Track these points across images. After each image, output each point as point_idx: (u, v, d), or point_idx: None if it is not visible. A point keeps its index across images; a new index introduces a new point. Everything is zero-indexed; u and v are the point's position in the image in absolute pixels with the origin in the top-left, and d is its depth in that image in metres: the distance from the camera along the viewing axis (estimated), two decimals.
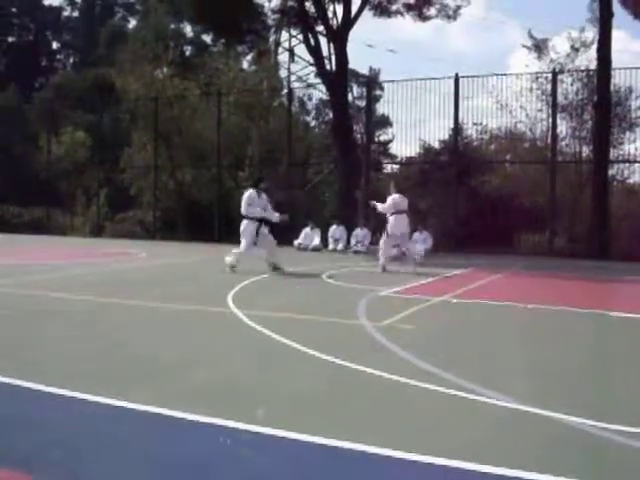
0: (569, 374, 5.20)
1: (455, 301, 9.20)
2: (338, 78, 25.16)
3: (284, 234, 14.54)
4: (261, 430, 3.63)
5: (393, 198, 13.86)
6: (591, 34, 24.23)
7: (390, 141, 35.72)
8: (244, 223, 13.13)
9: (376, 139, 35.83)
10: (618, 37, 49.49)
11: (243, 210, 13.07)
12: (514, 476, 3.08)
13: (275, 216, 13.28)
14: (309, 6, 25.79)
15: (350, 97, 30.47)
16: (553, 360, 5.68)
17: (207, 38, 43.61)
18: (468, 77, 22.50)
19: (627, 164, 22.87)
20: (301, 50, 34.77)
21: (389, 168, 30.53)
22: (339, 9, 25.57)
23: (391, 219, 13.87)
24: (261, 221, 13.11)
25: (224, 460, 3.26)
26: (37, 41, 52.89)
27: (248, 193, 13.20)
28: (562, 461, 3.30)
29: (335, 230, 21.22)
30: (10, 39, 52.98)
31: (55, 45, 55.90)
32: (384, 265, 13.65)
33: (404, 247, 14.55)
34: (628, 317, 8.07)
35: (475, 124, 24.75)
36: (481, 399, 4.29)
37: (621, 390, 4.78)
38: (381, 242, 14.22)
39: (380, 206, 14.26)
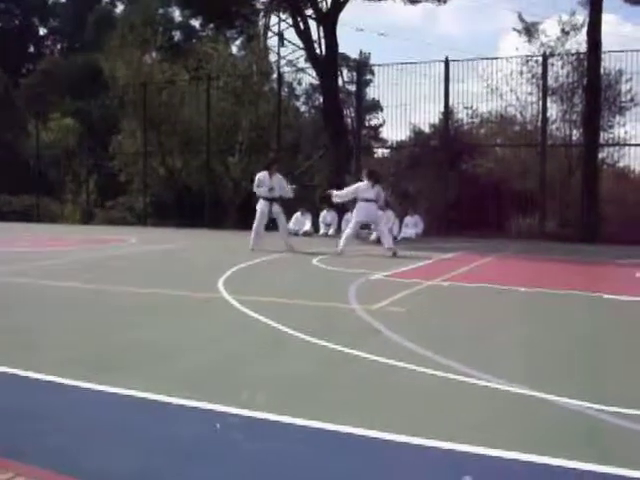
0: (562, 356, 5.20)
1: (446, 284, 9.20)
2: (328, 62, 25.04)
3: (274, 220, 14.61)
4: (252, 414, 3.61)
5: (357, 187, 13.96)
6: (581, 17, 24.16)
7: (381, 125, 35.64)
8: (259, 203, 14.48)
9: (366, 123, 35.76)
10: (608, 20, 49.17)
11: (254, 190, 14.57)
12: (510, 458, 3.08)
13: (287, 190, 14.56)
14: None
15: (340, 81, 30.42)
16: (546, 342, 5.68)
17: (196, 23, 43.28)
18: (458, 61, 22.43)
19: (617, 147, 22.87)
20: (290, 34, 34.63)
21: (380, 152, 30.45)
22: None
23: (356, 207, 14.04)
24: (272, 200, 14.26)
25: (215, 444, 3.24)
26: (24, 27, 52.40)
27: (258, 175, 14.51)
28: (557, 443, 3.30)
29: (326, 215, 21.19)
30: None
31: (42, 31, 55.42)
32: (343, 248, 13.68)
33: (377, 232, 14.61)
34: (620, 299, 8.08)
35: (466, 108, 24.72)
36: (474, 381, 4.28)
37: (615, 372, 4.78)
38: (348, 227, 14.38)
39: (335, 193, 14.38)
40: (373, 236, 18.34)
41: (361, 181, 14.23)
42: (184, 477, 2.88)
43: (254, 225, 14.36)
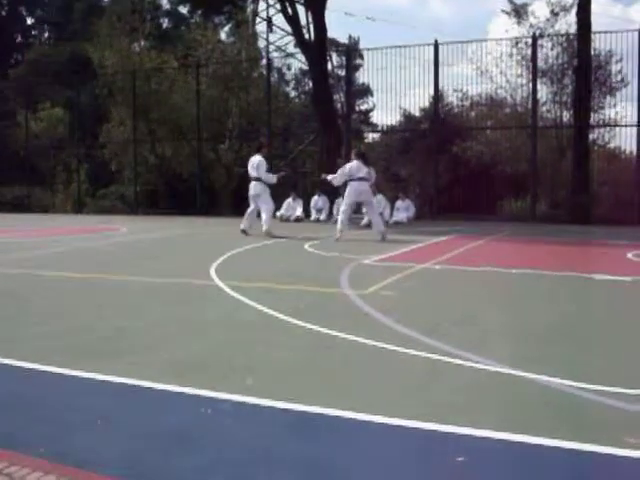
0: (551, 336, 5.23)
1: (438, 268, 9.22)
2: (317, 47, 24.97)
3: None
4: (245, 399, 3.62)
5: (350, 166, 13.88)
6: None
7: (371, 110, 35.67)
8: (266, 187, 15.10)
9: (357, 108, 35.73)
10: (598, 1, 49.21)
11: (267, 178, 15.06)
12: (498, 438, 3.10)
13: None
14: None
15: (330, 66, 30.34)
16: (536, 323, 5.71)
17: (184, 10, 43.07)
18: (448, 44, 22.41)
19: (608, 128, 22.90)
20: (279, 20, 34.51)
21: (370, 137, 30.44)
22: None
23: (348, 187, 13.90)
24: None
25: (204, 430, 3.25)
26: (11, 17, 51.98)
27: (263, 161, 14.97)
28: (543, 422, 3.32)
29: (317, 200, 21.20)
30: None
31: (30, 20, 54.98)
32: (341, 233, 13.64)
33: (370, 216, 14.52)
34: (609, 279, 8.12)
35: (456, 91, 24.74)
36: (463, 363, 4.30)
37: (602, 351, 4.81)
38: (340, 210, 14.31)
39: (330, 176, 14.35)
40: (364, 221, 18.39)
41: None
42: (174, 463, 2.89)
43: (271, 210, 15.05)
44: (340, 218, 13.95)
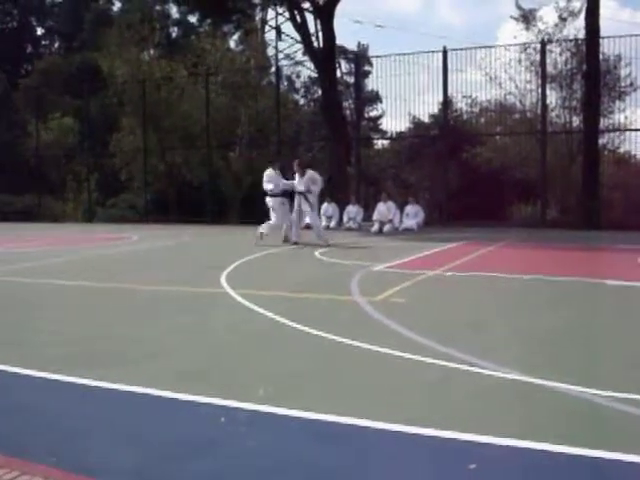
0: (563, 342, 5.21)
1: (448, 274, 9.20)
2: (326, 55, 25.01)
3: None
4: (256, 408, 3.62)
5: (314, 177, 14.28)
6: (579, 3, 24.08)
7: (380, 117, 35.67)
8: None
9: (366, 115, 35.76)
10: (607, 5, 49.11)
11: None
12: (512, 445, 3.09)
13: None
14: None
15: (339, 73, 30.39)
16: (547, 329, 5.69)
17: (193, 19, 43.23)
18: (456, 50, 22.38)
19: (617, 133, 22.81)
20: (288, 28, 34.61)
21: (379, 144, 30.45)
22: None
23: (314, 198, 14.34)
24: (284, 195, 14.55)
25: (219, 439, 3.25)
26: (21, 27, 52.30)
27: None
28: (560, 429, 3.30)
29: (327, 207, 21.16)
30: None
31: (40, 31, 55.34)
32: (327, 239, 14.03)
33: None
34: (621, 285, 8.08)
35: (465, 97, 24.70)
36: (474, 370, 4.29)
37: (614, 357, 4.79)
38: (317, 221, 14.69)
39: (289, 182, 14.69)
40: (374, 228, 18.42)
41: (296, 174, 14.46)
42: (185, 471, 2.89)
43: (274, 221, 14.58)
44: (319, 228, 14.45)
